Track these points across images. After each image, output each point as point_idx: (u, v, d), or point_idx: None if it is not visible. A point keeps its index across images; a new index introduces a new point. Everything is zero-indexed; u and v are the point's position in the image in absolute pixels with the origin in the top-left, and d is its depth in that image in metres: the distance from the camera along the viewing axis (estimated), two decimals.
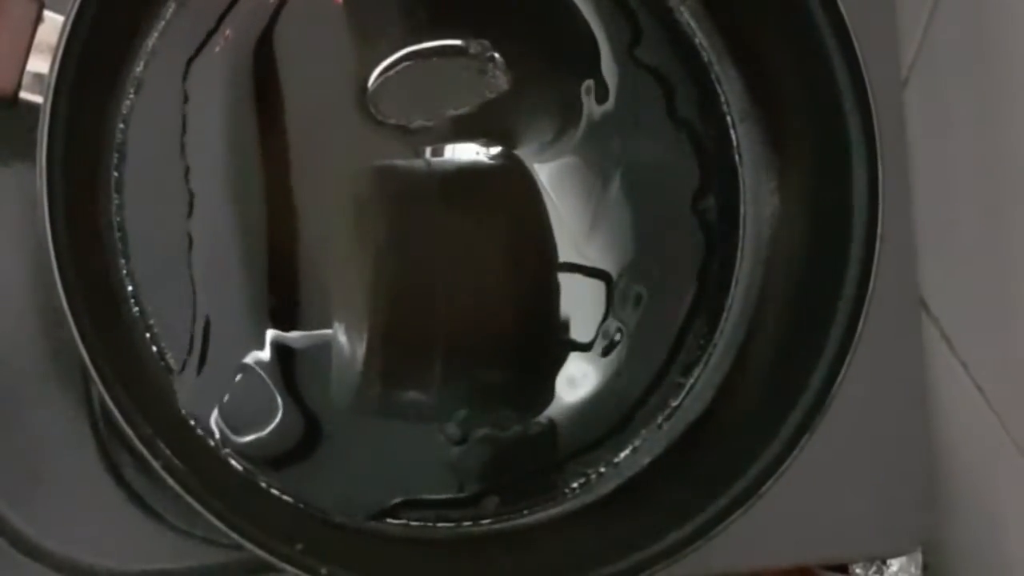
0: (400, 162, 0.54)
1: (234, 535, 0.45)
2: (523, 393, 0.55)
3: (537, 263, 0.56)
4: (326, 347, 0.52)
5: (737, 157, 0.58)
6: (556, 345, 0.55)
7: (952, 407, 0.61)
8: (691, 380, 0.56)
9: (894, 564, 0.62)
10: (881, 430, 0.61)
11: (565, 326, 0.55)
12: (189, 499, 0.45)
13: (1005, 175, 0.56)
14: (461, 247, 0.55)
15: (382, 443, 0.53)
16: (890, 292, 0.62)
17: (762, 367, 0.56)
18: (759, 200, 0.57)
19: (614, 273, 0.56)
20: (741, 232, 0.57)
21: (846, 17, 0.52)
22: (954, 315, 0.61)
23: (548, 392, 0.55)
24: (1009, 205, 0.56)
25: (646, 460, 0.55)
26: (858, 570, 0.62)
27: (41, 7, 0.47)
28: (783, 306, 0.56)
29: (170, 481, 0.44)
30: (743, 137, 0.58)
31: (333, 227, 0.54)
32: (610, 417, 0.55)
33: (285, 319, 0.52)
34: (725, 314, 0.57)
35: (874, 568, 0.62)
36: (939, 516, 0.62)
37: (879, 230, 0.52)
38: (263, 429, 0.51)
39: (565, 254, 0.55)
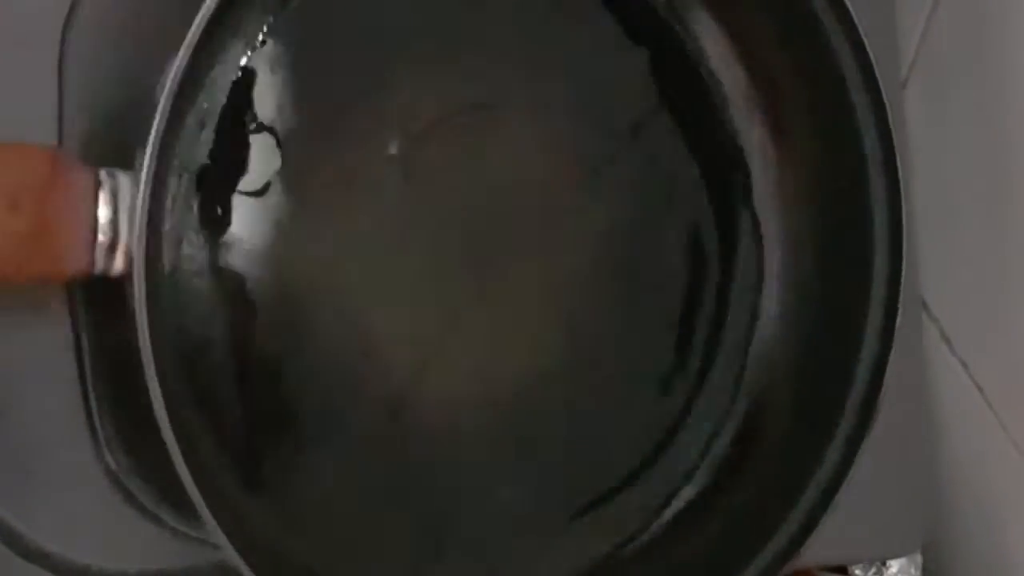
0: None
1: None
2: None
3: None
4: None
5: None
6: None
7: (952, 407, 0.61)
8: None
9: (893, 565, 0.62)
10: (880, 431, 0.61)
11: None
12: None
13: (1005, 175, 0.56)
14: None
15: None
16: None
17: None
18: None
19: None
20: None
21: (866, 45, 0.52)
22: (954, 315, 0.61)
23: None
24: (1009, 205, 0.56)
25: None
26: (857, 571, 0.62)
27: (97, 173, 0.43)
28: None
29: None
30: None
31: None
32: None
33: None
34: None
35: (873, 569, 0.62)
36: (939, 517, 0.62)
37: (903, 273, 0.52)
38: None
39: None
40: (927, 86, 0.62)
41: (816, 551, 0.60)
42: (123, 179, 0.43)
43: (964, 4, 0.58)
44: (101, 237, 0.43)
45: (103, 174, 0.43)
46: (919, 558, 0.62)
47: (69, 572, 0.51)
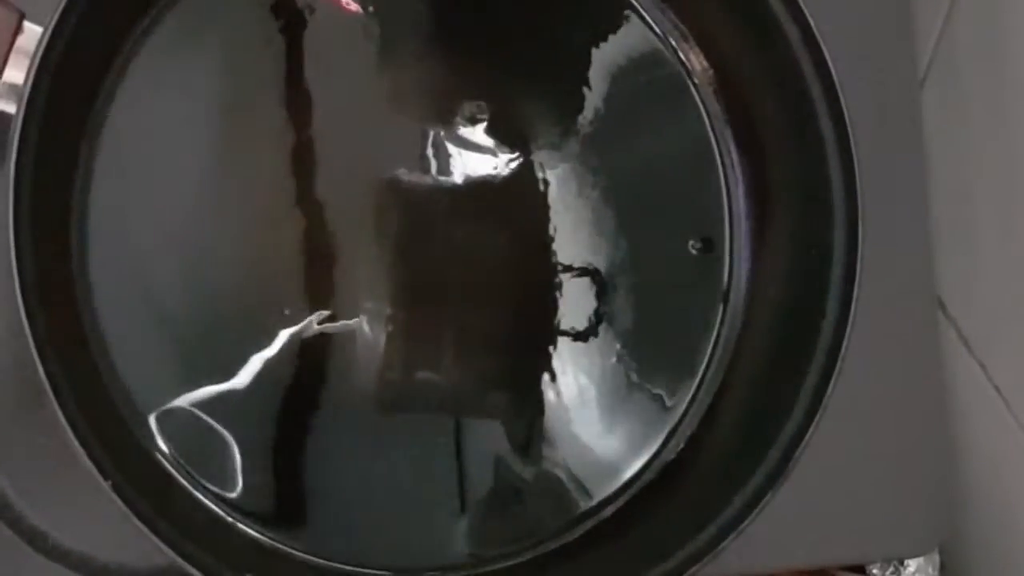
0: (411, 172, 0.55)
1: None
2: (525, 388, 0.56)
3: (539, 265, 0.56)
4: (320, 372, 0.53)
5: (727, 197, 0.58)
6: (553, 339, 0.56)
7: (969, 408, 0.61)
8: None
9: (911, 565, 0.62)
10: (898, 431, 0.61)
11: (560, 319, 0.56)
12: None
13: (1022, 174, 0.55)
14: (470, 254, 0.56)
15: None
16: (907, 293, 0.62)
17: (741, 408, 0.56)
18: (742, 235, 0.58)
19: (607, 274, 0.56)
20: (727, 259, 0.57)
21: (839, 86, 0.52)
22: (972, 316, 0.61)
23: (546, 389, 0.55)
24: None
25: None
26: (875, 571, 0.62)
27: (21, 18, 0.47)
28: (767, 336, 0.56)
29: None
30: (732, 180, 0.58)
31: (347, 238, 0.54)
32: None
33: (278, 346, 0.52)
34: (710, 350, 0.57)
35: (891, 569, 0.62)
36: (956, 517, 0.62)
37: (857, 276, 0.52)
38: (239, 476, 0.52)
39: (566, 258, 0.56)
40: (945, 86, 0.62)
41: (834, 550, 0.61)
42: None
43: (981, 3, 0.58)
44: (11, 75, 0.47)
45: (27, 23, 0.47)
46: (937, 557, 0.62)
47: (89, 568, 0.52)
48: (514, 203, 0.56)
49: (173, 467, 0.50)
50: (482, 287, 0.55)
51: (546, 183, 0.56)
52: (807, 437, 0.51)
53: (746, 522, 0.50)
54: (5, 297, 0.49)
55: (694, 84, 0.57)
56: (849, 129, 0.52)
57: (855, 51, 0.54)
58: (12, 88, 0.47)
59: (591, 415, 0.55)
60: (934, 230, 0.63)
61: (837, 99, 0.52)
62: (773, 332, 0.56)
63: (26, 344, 0.45)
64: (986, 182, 0.59)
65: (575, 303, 0.55)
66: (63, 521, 0.52)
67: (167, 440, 0.50)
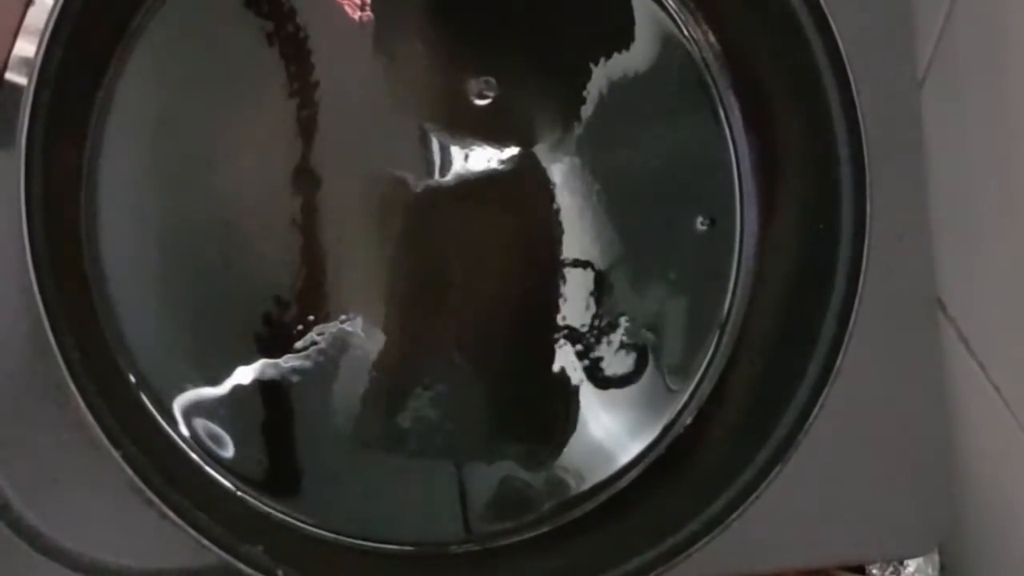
0: (413, 165, 0.54)
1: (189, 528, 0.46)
2: (532, 369, 0.56)
3: (544, 261, 0.56)
4: (326, 363, 0.53)
5: (736, 174, 0.58)
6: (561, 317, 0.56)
7: (969, 408, 0.61)
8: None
9: (911, 565, 0.62)
10: (898, 431, 0.61)
11: (569, 298, 0.56)
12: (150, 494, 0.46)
13: (1022, 174, 0.55)
14: (473, 246, 0.56)
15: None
16: (907, 293, 0.62)
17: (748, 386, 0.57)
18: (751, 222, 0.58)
19: (614, 253, 0.56)
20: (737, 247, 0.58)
21: (846, 61, 0.53)
22: (971, 316, 0.61)
23: (554, 366, 0.56)
24: None
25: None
26: (875, 571, 0.62)
27: None
28: (771, 319, 0.57)
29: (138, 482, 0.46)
30: (741, 156, 0.58)
31: (348, 231, 0.54)
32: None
33: (280, 340, 0.53)
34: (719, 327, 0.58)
35: (891, 569, 0.62)
36: (956, 517, 0.62)
37: (863, 265, 0.53)
38: (250, 447, 0.52)
39: (570, 252, 0.56)
40: (944, 86, 0.62)
41: (834, 550, 0.61)
42: None
43: (981, 4, 0.58)
44: (22, 47, 0.48)
45: None
46: (936, 557, 0.62)
47: (90, 570, 0.52)
48: (520, 186, 0.56)
49: (183, 442, 0.51)
50: (486, 273, 0.56)
51: (552, 165, 0.56)
52: (815, 411, 0.51)
53: (754, 495, 0.50)
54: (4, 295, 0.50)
55: (703, 60, 0.58)
56: (856, 103, 0.53)
57: (855, 51, 0.53)
58: (24, 61, 0.47)
59: (600, 391, 0.56)
60: (934, 230, 0.63)
61: (845, 73, 0.53)
62: (782, 306, 0.56)
63: (33, 341, 0.45)
64: (986, 182, 0.59)
65: (583, 282, 0.56)
66: (63, 521, 0.52)
67: (180, 416, 0.51)
